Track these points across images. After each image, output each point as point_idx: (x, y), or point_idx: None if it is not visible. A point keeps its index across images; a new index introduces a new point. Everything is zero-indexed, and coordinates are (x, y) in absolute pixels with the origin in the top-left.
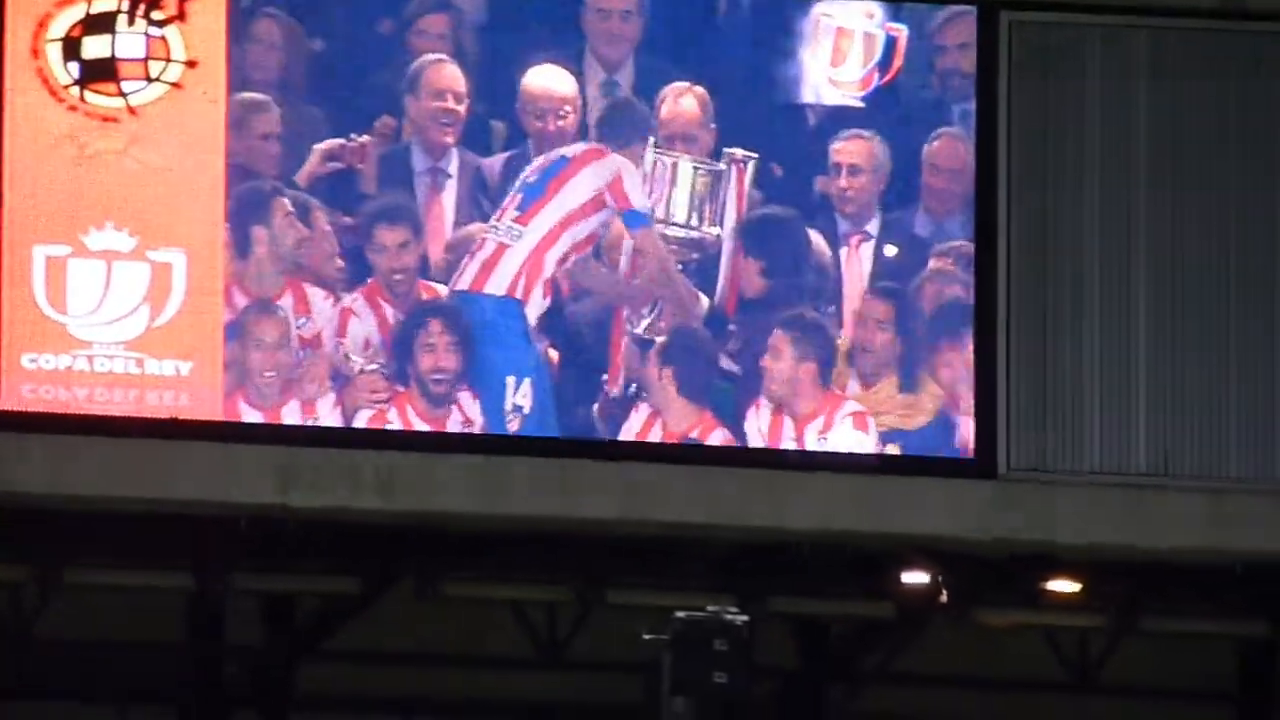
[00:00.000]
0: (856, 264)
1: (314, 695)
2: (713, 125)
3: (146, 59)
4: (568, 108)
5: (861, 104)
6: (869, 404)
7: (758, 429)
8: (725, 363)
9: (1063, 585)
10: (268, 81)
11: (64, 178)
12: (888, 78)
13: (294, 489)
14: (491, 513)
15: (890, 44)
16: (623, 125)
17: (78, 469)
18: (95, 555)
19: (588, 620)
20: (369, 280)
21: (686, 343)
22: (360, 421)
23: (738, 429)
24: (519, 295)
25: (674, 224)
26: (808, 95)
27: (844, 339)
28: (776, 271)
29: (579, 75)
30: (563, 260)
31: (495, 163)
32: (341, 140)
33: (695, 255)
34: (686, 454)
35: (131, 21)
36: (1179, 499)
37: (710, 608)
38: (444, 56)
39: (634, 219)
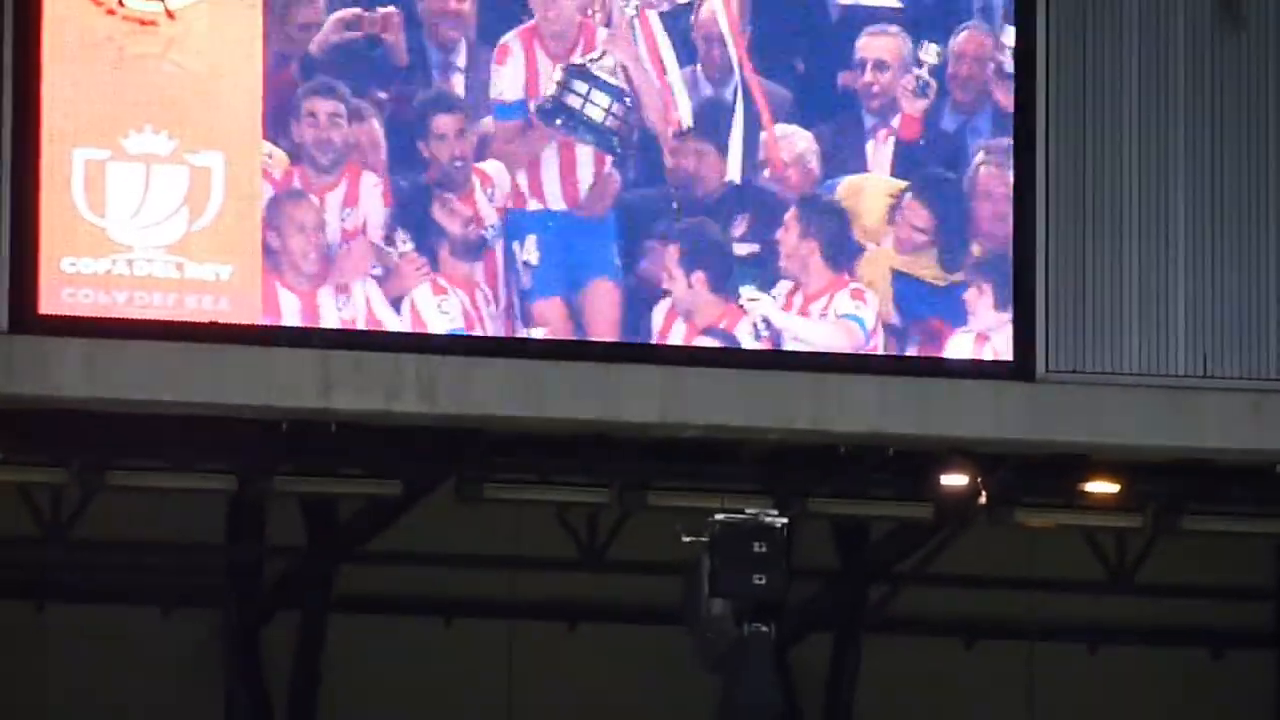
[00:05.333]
0: (884, 157)
1: (354, 597)
2: None
3: None
4: None
5: (899, 3)
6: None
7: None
8: (740, 249)
9: (1101, 486)
10: None
11: (103, 82)
12: None
13: (335, 392)
14: (532, 415)
15: None
16: None
17: (118, 373)
18: (136, 458)
19: (628, 522)
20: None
21: (702, 237)
22: (404, 307)
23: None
24: None
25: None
26: None
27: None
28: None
29: None
30: None
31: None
32: (358, 10)
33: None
34: (728, 357)
35: None
36: (1218, 399)
37: (749, 510)
38: None
39: None
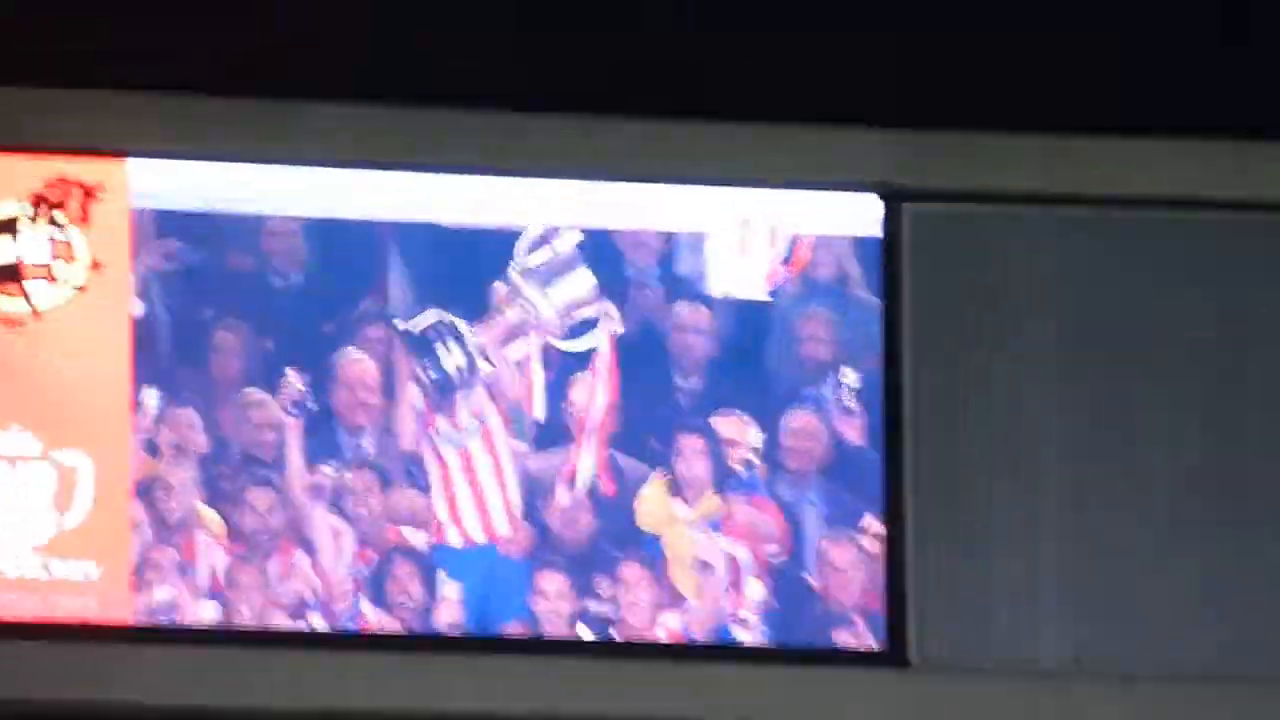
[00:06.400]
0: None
1: None
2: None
3: (50, 262)
4: None
5: (770, 299)
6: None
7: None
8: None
9: None
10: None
11: None
12: (795, 270)
13: (207, 689)
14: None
15: (794, 241)
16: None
17: None
18: None
19: None
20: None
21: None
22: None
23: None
24: None
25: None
26: (714, 289)
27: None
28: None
29: None
30: None
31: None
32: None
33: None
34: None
35: (34, 222)
36: (1090, 689)
37: None
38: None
39: None
